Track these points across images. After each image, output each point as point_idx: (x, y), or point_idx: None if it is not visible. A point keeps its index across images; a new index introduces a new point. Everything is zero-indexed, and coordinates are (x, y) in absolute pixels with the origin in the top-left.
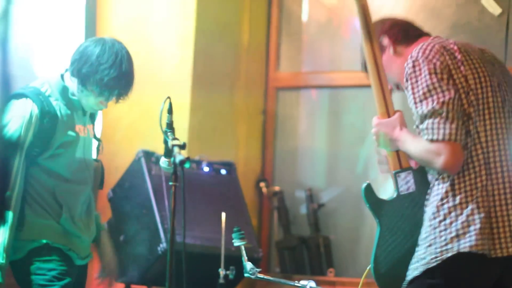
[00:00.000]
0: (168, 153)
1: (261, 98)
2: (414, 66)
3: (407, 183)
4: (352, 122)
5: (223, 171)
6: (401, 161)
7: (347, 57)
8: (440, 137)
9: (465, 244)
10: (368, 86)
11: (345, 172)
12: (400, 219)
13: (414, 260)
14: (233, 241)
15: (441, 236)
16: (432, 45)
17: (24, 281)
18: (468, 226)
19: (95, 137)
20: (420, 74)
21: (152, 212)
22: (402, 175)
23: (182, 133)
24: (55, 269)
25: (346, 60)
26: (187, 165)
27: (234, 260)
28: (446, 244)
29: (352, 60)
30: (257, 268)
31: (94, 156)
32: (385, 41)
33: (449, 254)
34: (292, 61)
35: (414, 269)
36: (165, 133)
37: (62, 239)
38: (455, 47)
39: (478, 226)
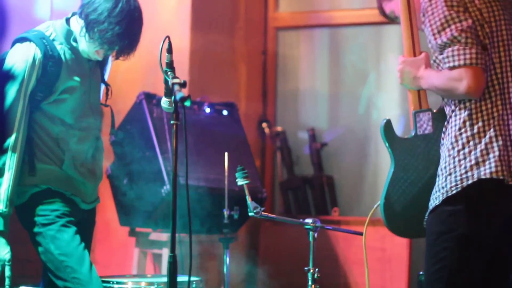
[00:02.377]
0: (169, 92)
1: (261, 38)
2: (430, 0)
3: (425, 123)
4: (353, 61)
5: (224, 112)
6: (421, 102)
7: None
8: (462, 62)
9: (485, 171)
10: (368, 24)
11: (347, 112)
12: (415, 157)
13: (434, 190)
14: (236, 180)
15: (460, 165)
16: None
17: (29, 223)
18: (488, 154)
19: (103, 81)
20: (437, 7)
21: (155, 154)
22: (421, 115)
23: (182, 76)
24: (58, 209)
25: None
26: (187, 103)
27: (238, 200)
28: (466, 172)
29: None
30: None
31: (102, 100)
32: None
33: (470, 182)
34: (291, 0)
35: (435, 199)
36: (165, 72)
37: (64, 184)
38: None
39: (497, 153)
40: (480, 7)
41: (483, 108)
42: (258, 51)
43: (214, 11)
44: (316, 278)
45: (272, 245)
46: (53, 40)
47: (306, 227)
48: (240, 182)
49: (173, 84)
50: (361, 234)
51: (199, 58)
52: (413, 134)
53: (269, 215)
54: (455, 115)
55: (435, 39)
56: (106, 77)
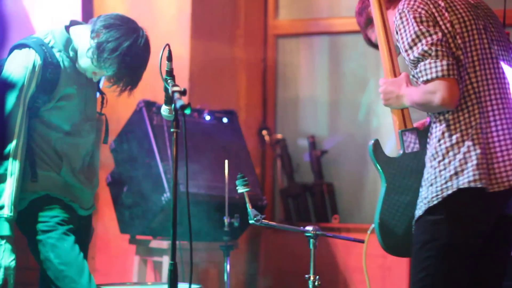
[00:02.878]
0: (169, 100)
1: (261, 46)
2: (401, 18)
3: (412, 142)
4: (352, 68)
5: (224, 120)
6: (405, 121)
7: (346, 2)
8: (434, 75)
9: (464, 180)
10: None
11: (347, 119)
12: (407, 177)
13: (418, 200)
14: (236, 188)
15: (441, 175)
16: None
17: (28, 230)
18: (466, 163)
19: (98, 90)
20: (408, 24)
21: (155, 162)
22: (408, 133)
23: (182, 84)
24: (58, 216)
25: (345, 6)
26: (187, 111)
27: (238, 208)
28: (446, 182)
29: (351, 6)
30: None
31: (97, 109)
32: None
33: (450, 192)
34: (291, 8)
35: (418, 209)
36: (165, 80)
37: (62, 190)
38: None
39: (475, 162)
40: (451, 19)
41: (461, 118)
42: (258, 59)
43: (214, 19)
44: (317, 285)
45: (272, 252)
46: (52, 47)
47: (307, 234)
48: (241, 189)
49: (173, 92)
50: (362, 241)
51: (199, 66)
52: (401, 153)
53: (270, 222)
54: (435, 127)
55: (408, 55)
56: (101, 86)
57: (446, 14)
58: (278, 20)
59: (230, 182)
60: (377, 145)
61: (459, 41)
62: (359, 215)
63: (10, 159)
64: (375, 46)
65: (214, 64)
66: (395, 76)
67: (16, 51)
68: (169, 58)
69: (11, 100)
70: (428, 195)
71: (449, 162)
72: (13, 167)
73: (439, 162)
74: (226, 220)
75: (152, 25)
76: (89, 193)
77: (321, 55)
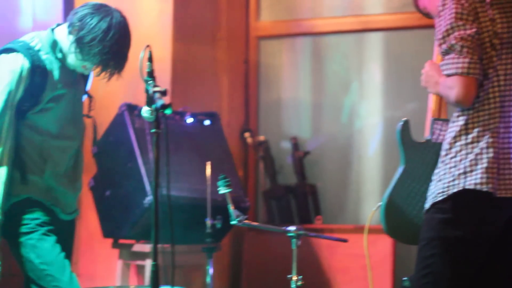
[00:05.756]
0: (150, 101)
1: (243, 48)
2: (444, 5)
3: (441, 132)
4: (335, 70)
5: (207, 122)
6: (441, 110)
7: (328, 3)
8: (453, 71)
9: (471, 181)
10: (350, 31)
11: (329, 121)
12: (424, 165)
13: (428, 193)
14: (218, 189)
15: (450, 172)
16: None
17: (9, 232)
18: (476, 164)
19: (86, 93)
20: (448, 13)
21: (137, 165)
22: (439, 123)
23: (164, 86)
24: (39, 218)
25: (327, 6)
26: (169, 111)
27: (221, 210)
28: (453, 180)
29: (333, 6)
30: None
31: (84, 112)
32: None
33: (455, 190)
34: (272, 9)
35: (427, 202)
36: (146, 82)
37: (44, 194)
38: None
39: (485, 165)
40: (494, 17)
41: (480, 118)
42: (240, 61)
43: (195, 21)
44: (300, 285)
45: (256, 254)
46: (39, 50)
47: (289, 234)
48: (223, 190)
49: (154, 92)
50: (345, 241)
51: (181, 68)
52: (428, 138)
53: (252, 223)
54: (454, 122)
55: (439, 45)
56: (88, 88)
57: (490, 11)
58: (260, 21)
59: (212, 184)
60: (406, 126)
61: (497, 42)
62: (342, 216)
63: None
64: (422, 13)
65: (196, 66)
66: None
67: (3, 55)
68: (150, 59)
69: None
70: (435, 190)
71: (460, 161)
72: (0, 171)
73: (451, 158)
74: (209, 222)
75: (134, 28)
76: (72, 197)
77: (304, 56)
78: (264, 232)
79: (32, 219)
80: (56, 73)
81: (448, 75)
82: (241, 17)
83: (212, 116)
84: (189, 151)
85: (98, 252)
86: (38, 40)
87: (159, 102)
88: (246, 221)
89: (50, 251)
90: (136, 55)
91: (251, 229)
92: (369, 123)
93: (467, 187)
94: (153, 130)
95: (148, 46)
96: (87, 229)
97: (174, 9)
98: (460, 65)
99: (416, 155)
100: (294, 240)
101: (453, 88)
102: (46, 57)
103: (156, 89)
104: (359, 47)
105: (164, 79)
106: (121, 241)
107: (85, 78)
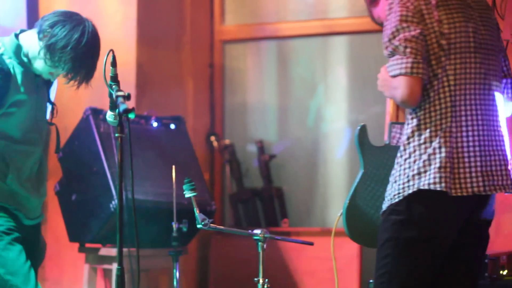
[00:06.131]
0: (114, 106)
1: (208, 52)
2: (390, 9)
3: (399, 136)
4: (300, 73)
5: (172, 126)
6: (398, 114)
7: (292, 7)
8: (397, 72)
9: (425, 181)
10: (315, 35)
11: (295, 124)
12: (385, 169)
13: (385, 194)
14: (184, 192)
15: (404, 174)
16: None
17: None
18: (429, 164)
19: (49, 100)
20: (393, 17)
21: (103, 169)
22: (397, 127)
23: (129, 90)
24: (3, 224)
25: (292, 10)
26: (132, 115)
27: (187, 213)
28: (408, 181)
29: (297, 10)
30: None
31: (47, 118)
32: None
33: (410, 191)
34: (237, 13)
35: (383, 203)
36: (109, 86)
37: (7, 198)
38: None
39: (438, 164)
40: (440, 18)
41: (432, 119)
42: (205, 65)
43: (160, 26)
44: None
45: (222, 258)
46: (2, 54)
47: (255, 238)
48: (188, 194)
49: (117, 96)
50: (311, 244)
51: (146, 73)
52: (385, 143)
53: (218, 226)
54: (407, 124)
55: (386, 48)
56: (53, 97)
57: (435, 13)
58: (224, 25)
59: (178, 188)
60: (363, 131)
61: (444, 42)
62: (309, 219)
63: None
64: (377, 23)
65: (161, 71)
66: None
67: None
68: (114, 64)
69: None
70: (391, 192)
71: (414, 161)
72: None
73: (405, 159)
74: (175, 225)
75: (99, 32)
76: (36, 202)
77: (269, 60)
78: (231, 236)
79: None
80: (19, 78)
81: (393, 76)
82: (206, 21)
83: (177, 120)
84: (155, 155)
85: (65, 257)
86: (1, 44)
87: (122, 107)
88: (212, 225)
89: (14, 260)
90: (101, 60)
91: (217, 232)
92: (335, 126)
93: (421, 187)
94: (117, 135)
95: (111, 50)
96: (53, 234)
97: (138, 13)
98: (404, 65)
99: (376, 159)
100: (260, 244)
101: (398, 89)
102: (9, 61)
103: (119, 93)
104: (324, 50)
105: (128, 84)
106: (88, 245)
107: (48, 85)
